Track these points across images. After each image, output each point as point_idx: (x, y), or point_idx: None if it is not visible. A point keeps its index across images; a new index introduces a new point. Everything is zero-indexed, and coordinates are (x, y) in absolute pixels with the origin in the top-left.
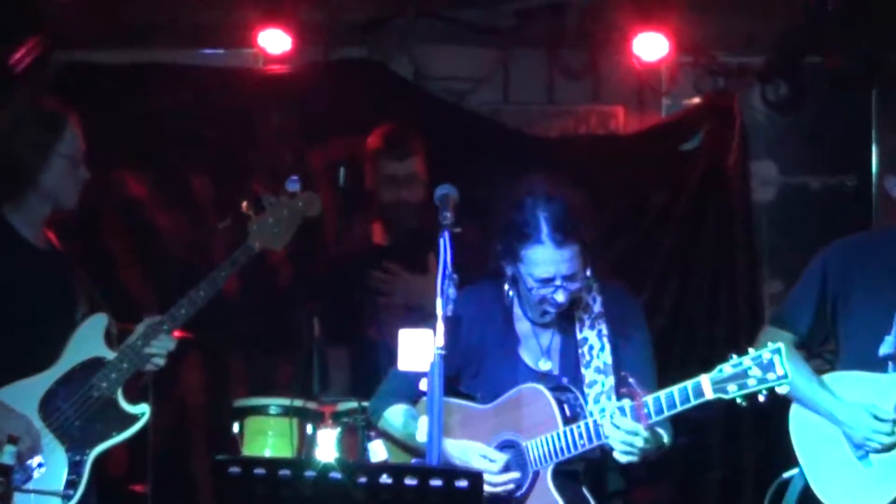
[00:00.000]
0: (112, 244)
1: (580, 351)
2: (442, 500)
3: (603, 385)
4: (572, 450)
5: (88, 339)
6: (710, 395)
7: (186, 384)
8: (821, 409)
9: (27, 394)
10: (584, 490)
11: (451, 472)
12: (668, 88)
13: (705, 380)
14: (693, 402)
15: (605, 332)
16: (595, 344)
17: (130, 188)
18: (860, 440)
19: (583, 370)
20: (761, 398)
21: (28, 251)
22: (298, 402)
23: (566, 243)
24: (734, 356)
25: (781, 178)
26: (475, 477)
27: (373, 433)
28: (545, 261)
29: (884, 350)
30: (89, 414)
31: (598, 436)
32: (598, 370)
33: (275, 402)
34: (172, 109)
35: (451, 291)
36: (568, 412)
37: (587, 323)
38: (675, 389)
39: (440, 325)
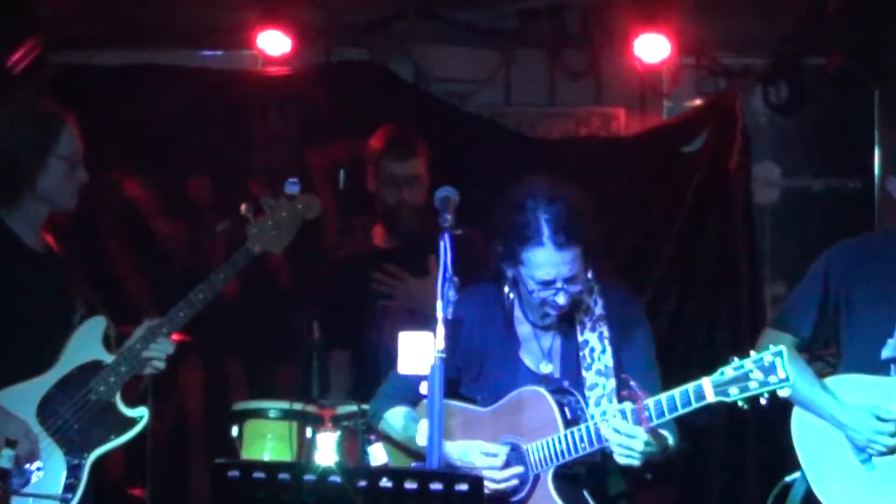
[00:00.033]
0: (110, 247)
1: (581, 353)
2: None
3: (604, 388)
4: (573, 453)
5: (86, 343)
6: (711, 397)
7: (185, 387)
8: (823, 413)
9: (25, 397)
10: (586, 493)
11: (451, 475)
12: (670, 90)
13: (707, 382)
14: (694, 405)
15: (606, 334)
16: (596, 346)
17: (129, 190)
18: (863, 443)
19: (584, 373)
20: (763, 401)
21: (25, 254)
22: (298, 406)
23: (567, 245)
24: (736, 359)
25: (784, 180)
26: (475, 480)
27: (373, 437)
28: (546, 263)
29: (886, 353)
30: (88, 417)
31: (599, 439)
32: (599, 373)
33: (274, 406)
34: (171, 111)
35: (452, 294)
36: (569, 415)
37: (588, 325)
38: (676, 392)
39: (440, 328)
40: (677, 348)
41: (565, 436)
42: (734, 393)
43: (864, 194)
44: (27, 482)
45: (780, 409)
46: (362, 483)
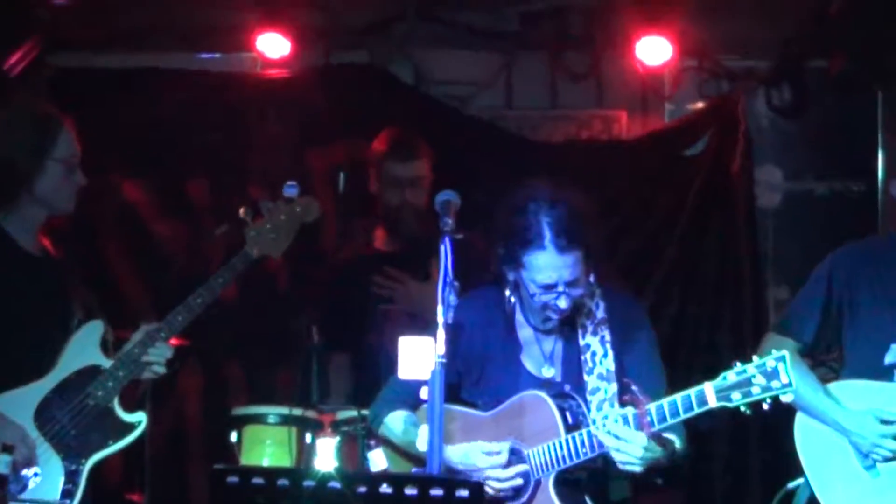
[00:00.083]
0: (108, 250)
1: (583, 358)
2: None
3: (606, 392)
4: (574, 458)
5: (84, 347)
6: (713, 403)
7: (184, 392)
8: (827, 419)
9: (22, 402)
10: (587, 499)
11: (451, 481)
12: (672, 93)
13: (709, 388)
14: (696, 411)
15: (607, 338)
16: (598, 350)
17: (127, 194)
18: (868, 449)
19: (585, 377)
20: (766, 406)
21: (23, 258)
22: (297, 411)
23: (569, 249)
24: (738, 363)
25: (786, 184)
26: (476, 486)
27: (373, 442)
28: (548, 266)
29: (890, 358)
30: (85, 423)
31: (601, 444)
32: (600, 377)
33: (273, 411)
34: (170, 114)
35: (452, 298)
36: (570, 420)
37: (590, 329)
38: (678, 397)
39: (441, 333)
40: (679, 351)
41: (566, 440)
42: (737, 398)
43: (867, 197)
44: (24, 488)
45: (782, 415)
46: (362, 489)
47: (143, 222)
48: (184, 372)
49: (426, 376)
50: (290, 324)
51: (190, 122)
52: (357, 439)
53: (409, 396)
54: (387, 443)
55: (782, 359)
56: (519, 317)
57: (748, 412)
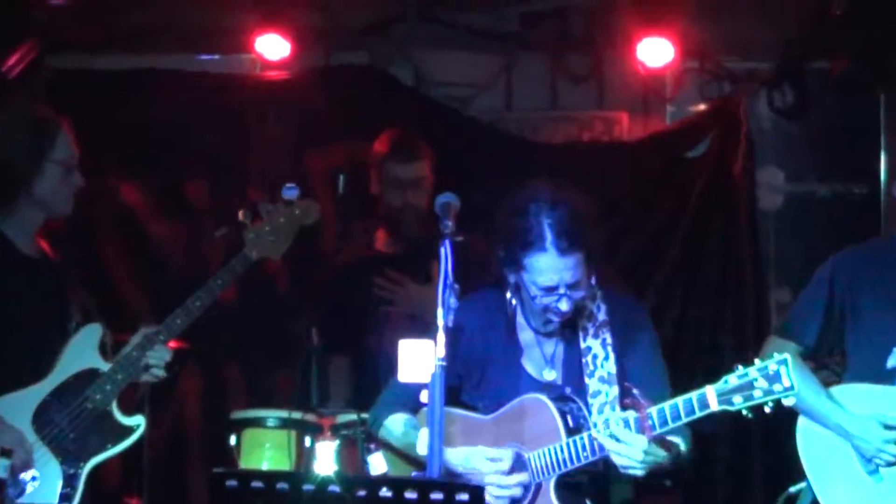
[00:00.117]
0: (107, 253)
1: (584, 360)
2: None
3: (607, 395)
4: (575, 462)
5: (82, 350)
6: (715, 406)
7: (183, 395)
8: (829, 422)
9: (20, 406)
10: (588, 502)
11: (452, 485)
12: (673, 94)
13: (710, 391)
14: (698, 414)
15: (609, 340)
16: (599, 353)
17: (125, 196)
18: (871, 453)
19: (586, 380)
20: (767, 410)
21: (20, 260)
22: (297, 415)
23: (570, 251)
24: (740, 367)
25: (788, 186)
26: (476, 490)
27: (372, 446)
28: (549, 269)
29: (892, 362)
30: (84, 426)
31: (602, 447)
32: (601, 380)
33: (272, 414)
34: (168, 115)
35: (452, 301)
36: (571, 423)
37: (591, 332)
38: (679, 401)
39: (441, 336)
40: (681, 353)
41: (567, 444)
42: (738, 401)
43: (869, 199)
44: (22, 492)
45: (785, 418)
46: (361, 493)
47: (141, 224)
48: (183, 375)
49: (426, 379)
50: (289, 326)
51: (189, 123)
52: (357, 443)
53: (409, 399)
54: (386, 446)
55: (784, 362)
56: (520, 319)
57: (750, 416)
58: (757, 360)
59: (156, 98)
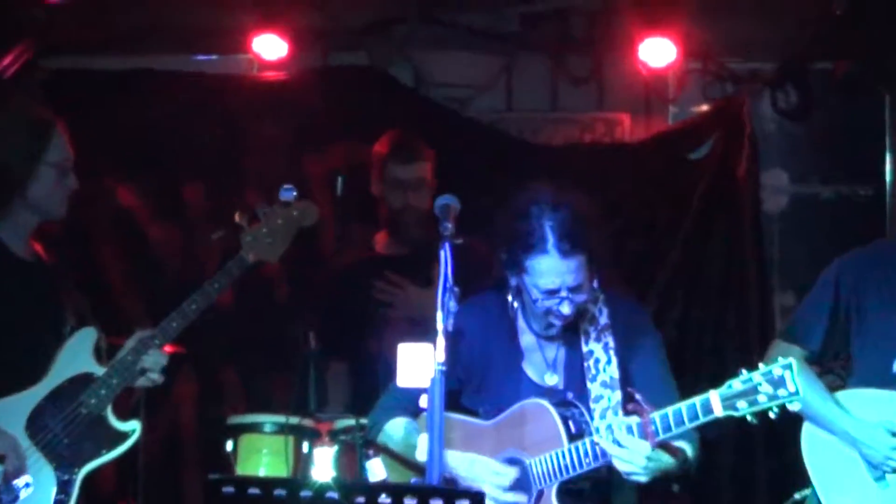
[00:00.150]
0: (102, 256)
1: (586, 365)
2: None
3: (609, 400)
4: (577, 468)
5: (77, 355)
6: (719, 412)
7: (178, 399)
8: (835, 428)
9: (14, 411)
10: None
11: (451, 492)
12: (676, 95)
13: (714, 396)
14: (702, 419)
15: (611, 344)
16: (601, 357)
17: (121, 198)
18: (879, 460)
19: (588, 384)
20: (772, 415)
21: (15, 264)
22: (294, 420)
23: (572, 253)
24: (744, 371)
25: (792, 187)
26: (477, 497)
27: (371, 451)
28: (551, 271)
29: None
30: (78, 432)
31: (605, 453)
32: (604, 384)
33: (270, 420)
34: (165, 116)
35: (452, 305)
36: (573, 428)
37: (593, 335)
38: (682, 406)
39: (440, 340)
40: (684, 356)
41: (569, 450)
42: (743, 407)
43: (874, 201)
44: (15, 499)
45: (789, 423)
46: (360, 499)
47: (137, 226)
48: (178, 379)
49: (425, 384)
50: (287, 330)
51: (185, 124)
52: (355, 448)
53: (409, 404)
54: (386, 452)
55: (789, 366)
56: (521, 323)
57: (754, 421)
58: (761, 365)
59: (152, 99)
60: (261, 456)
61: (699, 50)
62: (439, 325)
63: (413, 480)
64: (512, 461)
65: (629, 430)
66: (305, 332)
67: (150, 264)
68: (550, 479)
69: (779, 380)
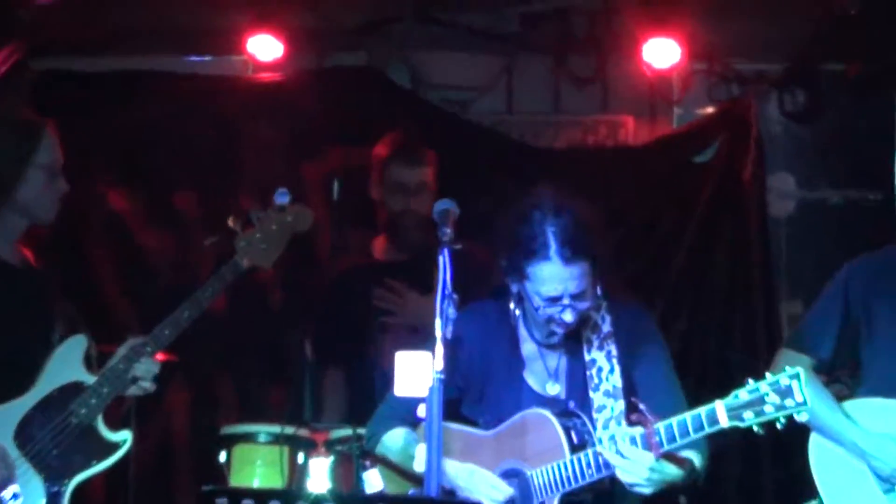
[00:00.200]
0: (93, 261)
1: (588, 373)
2: None
3: (612, 410)
4: (580, 480)
5: (67, 363)
6: (725, 422)
7: (170, 409)
8: (844, 439)
9: (2, 421)
10: None
11: (449, 503)
12: (681, 97)
13: (720, 406)
14: (707, 430)
15: (614, 353)
16: (604, 366)
17: (112, 202)
18: (888, 472)
19: (591, 394)
20: (779, 426)
21: (2, 269)
22: (289, 430)
23: (575, 260)
24: (750, 381)
25: (800, 192)
26: None
27: (368, 462)
28: (553, 278)
29: None
30: (68, 442)
31: (607, 465)
32: (607, 394)
33: (264, 430)
34: (157, 119)
35: (451, 312)
36: (575, 439)
37: (595, 344)
38: (688, 416)
39: (439, 348)
40: (690, 363)
41: (571, 462)
42: (749, 417)
43: (884, 206)
44: None
45: (796, 433)
46: None
47: (129, 231)
48: (171, 388)
49: (424, 393)
50: (282, 338)
51: (178, 127)
52: (352, 459)
53: (408, 414)
54: (383, 462)
55: (796, 376)
56: (522, 331)
57: (761, 432)
58: (768, 374)
59: (145, 101)
60: (255, 467)
61: (704, 50)
62: (438, 333)
63: (411, 492)
64: (512, 472)
65: (633, 440)
66: (301, 339)
67: (143, 270)
68: (552, 491)
69: (786, 389)
